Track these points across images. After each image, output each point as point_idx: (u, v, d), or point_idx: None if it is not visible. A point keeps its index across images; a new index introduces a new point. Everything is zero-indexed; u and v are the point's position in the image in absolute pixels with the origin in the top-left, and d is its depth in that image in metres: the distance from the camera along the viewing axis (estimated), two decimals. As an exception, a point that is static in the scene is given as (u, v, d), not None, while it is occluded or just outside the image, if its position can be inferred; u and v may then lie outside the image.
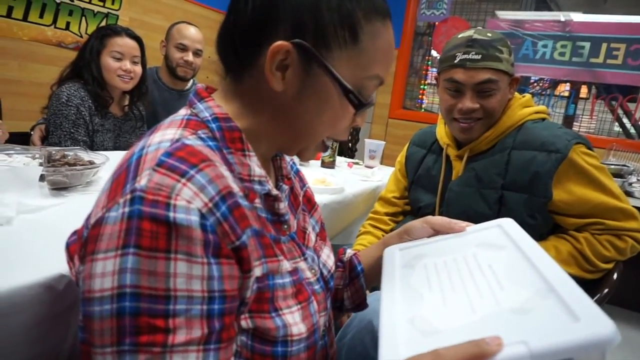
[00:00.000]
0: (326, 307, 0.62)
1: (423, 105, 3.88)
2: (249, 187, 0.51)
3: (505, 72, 1.07)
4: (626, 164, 2.37)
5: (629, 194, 2.15)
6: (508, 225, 0.63)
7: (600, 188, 1.02)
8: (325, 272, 0.65)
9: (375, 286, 0.75)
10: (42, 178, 0.94)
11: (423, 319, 0.49)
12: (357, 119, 0.57)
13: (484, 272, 0.54)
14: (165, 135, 0.47)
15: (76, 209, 0.90)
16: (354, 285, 0.74)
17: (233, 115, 0.53)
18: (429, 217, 0.70)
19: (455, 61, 1.07)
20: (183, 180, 0.42)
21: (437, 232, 0.68)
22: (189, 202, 0.41)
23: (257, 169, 0.53)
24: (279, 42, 0.48)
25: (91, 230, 0.41)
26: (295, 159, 0.69)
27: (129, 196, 0.40)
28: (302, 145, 0.56)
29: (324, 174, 1.55)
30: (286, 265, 0.53)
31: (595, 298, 1.00)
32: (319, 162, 1.82)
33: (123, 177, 0.44)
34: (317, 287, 0.60)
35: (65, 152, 1.06)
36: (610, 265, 1.04)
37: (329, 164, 1.79)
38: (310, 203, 0.72)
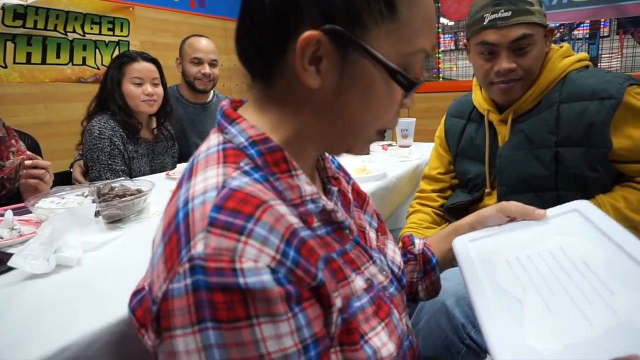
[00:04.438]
0: (405, 307, 0.59)
1: (440, 74, 3.79)
2: (304, 212, 0.47)
3: (539, 24, 1.02)
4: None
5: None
6: (585, 208, 0.57)
7: (663, 127, 0.96)
8: (396, 270, 0.62)
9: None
10: (96, 214, 0.96)
11: (535, 330, 0.45)
12: (406, 101, 0.51)
13: (581, 271, 0.49)
14: (207, 180, 0.42)
15: (136, 239, 0.91)
16: (430, 278, 0.71)
17: (271, 129, 0.48)
18: (503, 204, 0.66)
19: (485, 22, 1.03)
20: (243, 239, 0.37)
21: (512, 219, 0.64)
22: (255, 261, 0.37)
23: (308, 187, 0.48)
24: (308, 33, 0.42)
25: (161, 305, 0.39)
26: None
27: (187, 265, 0.37)
28: (351, 143, 0.51)
29: (362, 161, 1.53)
30: (359, 283, 0.50)
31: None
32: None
33: (175, 241, 0.40)
34: (392, 289, 0.56)
35: (112, 185, 1.08)
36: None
37: (363, 151, 1.76)
38: (360, 197, 0.67)
